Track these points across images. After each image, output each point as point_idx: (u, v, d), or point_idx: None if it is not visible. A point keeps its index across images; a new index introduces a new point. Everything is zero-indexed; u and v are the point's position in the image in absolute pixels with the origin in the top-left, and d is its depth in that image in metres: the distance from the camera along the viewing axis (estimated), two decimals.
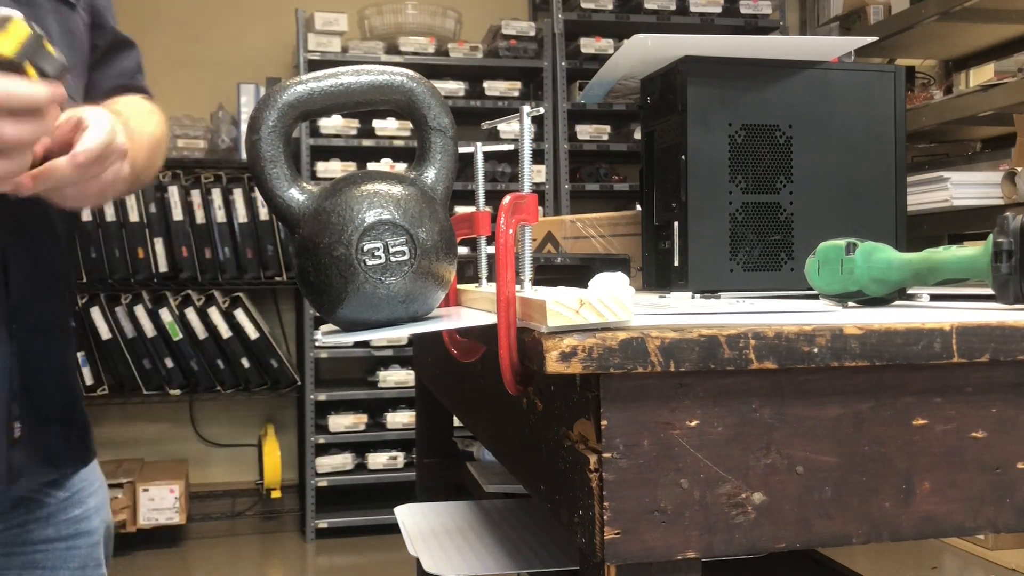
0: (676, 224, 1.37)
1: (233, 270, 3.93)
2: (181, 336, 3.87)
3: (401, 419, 3.85)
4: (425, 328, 0.89)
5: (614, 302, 0.71)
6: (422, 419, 1.97)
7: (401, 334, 0.90)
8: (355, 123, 3.90)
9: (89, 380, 3.80)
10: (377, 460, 3.84)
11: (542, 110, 1.13)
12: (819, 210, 1.40)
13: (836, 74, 1.41)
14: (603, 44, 4.04)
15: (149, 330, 3.85)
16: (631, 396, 0.70)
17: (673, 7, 4.04)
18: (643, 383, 0.70)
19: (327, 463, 3.78)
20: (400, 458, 3.86)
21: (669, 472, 0.71)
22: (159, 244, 3.81)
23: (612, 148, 4.09)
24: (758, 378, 0.72)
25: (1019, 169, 2.96)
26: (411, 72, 0.94)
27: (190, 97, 4.17)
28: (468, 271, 1.39)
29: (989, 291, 0.90)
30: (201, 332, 3.90)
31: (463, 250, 2.50)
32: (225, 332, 3.93)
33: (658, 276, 1.47)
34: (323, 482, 3.77)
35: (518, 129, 0.92)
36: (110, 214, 3.77)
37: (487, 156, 2.32)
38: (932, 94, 3.77)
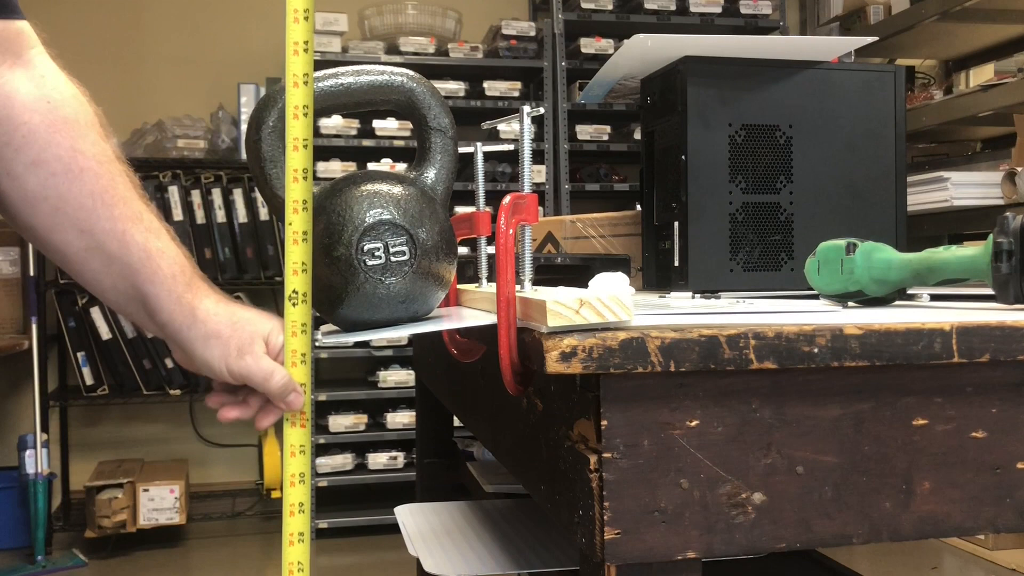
0: (676, 224, 1.37)
1: (233, 270, 3.93)
2: None
3: (401, 419, 3.85)
4: (425, 328, 0.89)
5: (614, 302, 0.71)
6: (422, 419, 1.97)
7: (401, 334, 0.90)
8: (355, 123, 3.90)
9: (89, 380, 3.80)
10: (377, 460, 3.84)
11: (542, 110, 1.13)
12: (819, 210, 1.40)
13: (836, 74, 1.41)
14: (603, 44, 4.04)
15: None
16: (631, 396, 0.70)
17: (673, 7, 4.03)
18: (643, 383, 0.70)
19: (327, 463, 3.77)
20: (400, 458, 3.86)
21: (669, 472, 0.71)
22: None
23: (612, 148, 4.09)
24: (758, 378, 0.72)
25: (1019, 169, 2.96)
26: (411, 72, 0.94)
27: (190, 97, 4.17)
28: (468, 271, 1.39)
29: (989, 291, 0.90)
30: None
31: (463, 250, 2.50)
32: None
33: (658, 276, 1.47)
34: (323, 482, 3.77)
35: (518, 129, 0.92)
36: None
37: (487, 156, 2.32)
38: (932, 94, 3.77)
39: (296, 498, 0.87)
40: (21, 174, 0.85)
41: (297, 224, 0.85)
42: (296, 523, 0.87)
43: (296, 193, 0.84)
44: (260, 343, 0.86)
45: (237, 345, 0.85)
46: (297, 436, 0.88)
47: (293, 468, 0.87)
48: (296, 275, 0.85)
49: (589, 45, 4.02)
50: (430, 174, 0.95)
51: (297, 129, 0.84)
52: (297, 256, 0.85)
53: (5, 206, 0.87)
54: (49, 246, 0.88)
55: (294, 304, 0.86)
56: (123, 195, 0.87)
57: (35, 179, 0.85)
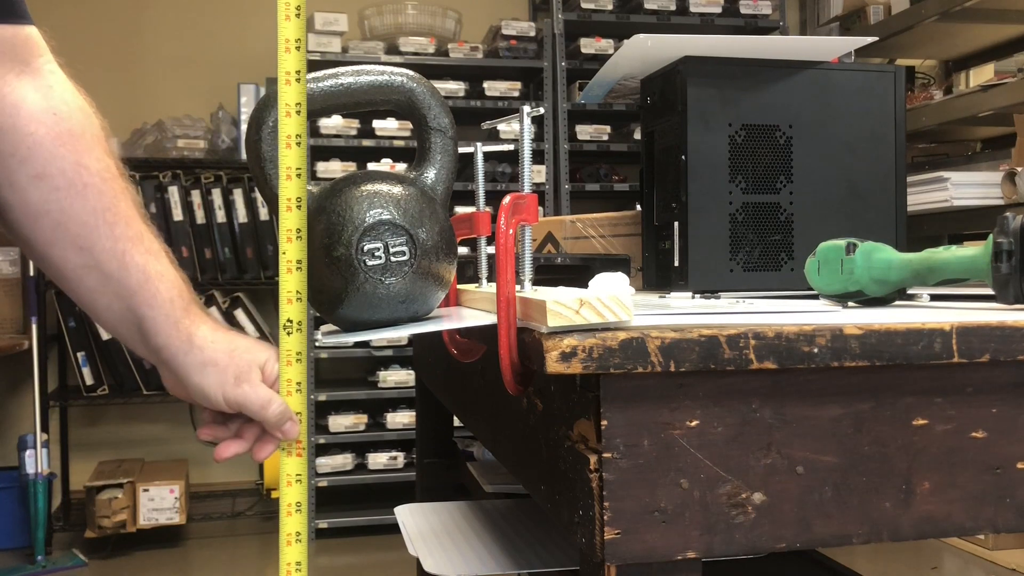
0: (676, 224, 1.37)
1: (233, 270, 3.93)
2: None
3: (401, 419, 3.85)
4: (425, 328, 0.89)
5: (614, 302, 0.71)
6: (422, 419, 1.97)
7: (401, 334, 0.90)
8: (355, 123, 3.90)
9: (89, 380, 3.80)
10: (377, 460, 3.84)
11: (542, 110, 1.13)
12: (819, 210, 1.40)
13: (836, 74, 1.41)
14: (603, 44, 4.04)
15: None
16: (631, 396, 0.70)
17: (673, 7, 4.03)
18: (643, 383, 0.70)
19: (327, 463, 3.78)
20: (400, 458, 3.86)
21: (669, 472, 0.71)
22: None
23: (612, 148, 4.09)
24: (758, 378, 0.72)
25: (1019, 169, 2.96)
26: (411, 72, 0.94)
27: (190, 97, 4.17)
28: (468, 271, 1.39)
29: (989, 291, 0.90)
30: None
31: (463, 250, 2.50)
32: None
33: (658, 276, 1.47)
34: (323, 482, 3.77)
35: (518, 129, 0.92)
36: None
37: (487, 156, 2.32)
38: (932, 94, 3.77)
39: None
40: (24, 186, 0.84)
41: (291, 253, 0.84)
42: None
43: (290, 222, 0.84)
44: (257, 371, 0.85)
45: (234, 373, 0.84)
46: (293, 465, 0.87)
47: (290, 498, 0.87)
48: (290, 304, 0.85)
49: (589, 45, 4.02)
50: (430, 174, 0.95)
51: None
52: (291, 285, 0.84)
53: (5, 218, 0.86)
54: (46, 260, 0.87)
55: (288, 333, 0.85)
56: (125, 214, 0.86)
57: (38, 192, 0.84)
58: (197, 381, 0.85)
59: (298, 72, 0.84)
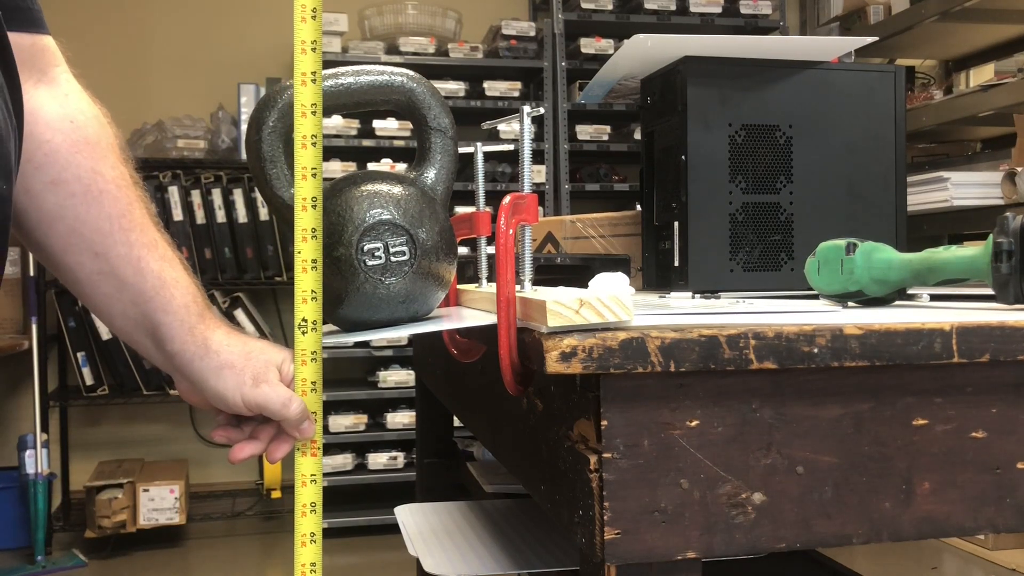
0: (676, 224, 1.37)
1: (233, 270, 3.93)
2: None
3: (401, 419, 3.85)
4: (425, 328, 0.89)
5: (614, 302, 0.71)
6: (422, 419, 1.97)
7: (401, 334, 0.90)
8: (355, 123, 3.90)
9: (89, 380, 3.80)
10: (377, 460, 3.84)
11: (542, 110, 1.13)
12: (819, 210, 1.40)
13: (836, 74, 1.41)
14: (603, 44, 4.04)
15: None
16: (631, 396, 0.70)
17: (673, 7, 4.03)
18: (643, 383, 0.70)
19: (327, 463, 3.77)
20: (400, 458, 3.86)
21: (669, 472, 0.71)
22: None
23: (612, 148, 4.09)
24: (758, 378, 0.72)
25: (1019, 169, 2.96)
26: (411, 72, 0.94)
27: (190, 97, 4.17)
28: (468, 271, 1.39)
29: (989, 291, 0.90)
30: None
31: (463, 250, 2.50)
32: None
33: (658, 276, 1.47)
34: (323, 482, 3.77)
35: (518, 129, 0.92)
36: None
37: (487, 156, 2.32)
38: (932, 94, 3.77)
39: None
40: (39, 192, 0.84)
41: (306, 253, 0.84)
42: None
43: (305, 222, 0.84)
44: (274, 371, 0.86)
45: (252, 374, 0.85)
46: (308, 465, 0.87)
47: (305, 498, 0.87)
48: (305, 303, 0.85)
49: (589, 45, 4.02)
50: (430, 174, 0.95)
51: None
52: (307, 284, 0.84)
53: (20, 223, 0.86)
54: (61, 267, 0.87)
55: (304, 332, 0.85)
56: (140, 221, 0.87)
57: (53, 198, 0.84)
58: (214, 385, 0.85)
59: (314, 73, 0.84)
